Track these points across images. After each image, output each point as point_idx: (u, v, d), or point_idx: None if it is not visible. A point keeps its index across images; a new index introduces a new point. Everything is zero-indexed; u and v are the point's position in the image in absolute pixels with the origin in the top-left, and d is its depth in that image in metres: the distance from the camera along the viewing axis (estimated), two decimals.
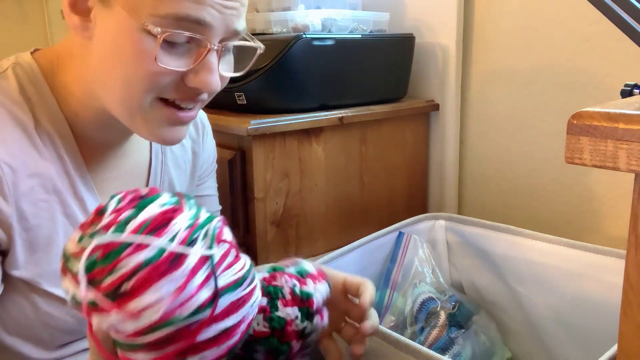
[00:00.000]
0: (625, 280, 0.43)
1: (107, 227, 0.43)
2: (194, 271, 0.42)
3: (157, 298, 0.41)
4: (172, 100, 0.60)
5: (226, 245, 0.46)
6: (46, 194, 0.61)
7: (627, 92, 0.55)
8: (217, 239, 0.46)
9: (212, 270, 0.44)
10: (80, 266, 0.42)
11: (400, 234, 1.03)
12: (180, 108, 0.61)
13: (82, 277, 0.42)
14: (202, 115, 0.85)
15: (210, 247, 0.45)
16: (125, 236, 0.42)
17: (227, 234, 0.48)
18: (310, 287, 0.59)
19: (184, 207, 0.46)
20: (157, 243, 0.42)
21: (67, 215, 0.63)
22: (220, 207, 0.90)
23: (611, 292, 0.85)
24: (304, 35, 1.02)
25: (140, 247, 0.42)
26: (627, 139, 0.38)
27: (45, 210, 0.61)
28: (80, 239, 0.44)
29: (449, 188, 1.32)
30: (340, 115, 1.09)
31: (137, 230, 0.43)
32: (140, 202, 0.45)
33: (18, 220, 0.59)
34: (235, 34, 0.60)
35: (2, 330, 0.63)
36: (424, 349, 0.65)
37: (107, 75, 0.59)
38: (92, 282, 0.42)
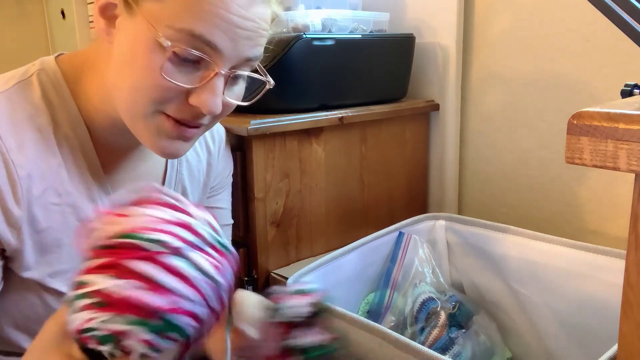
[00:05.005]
0: (625, 280, 0.43)
1: None
2: None
3: None
4: (173, 117, 0.61)
5: None
6: (58, 197, 0.63)
7: (627, 92, 0.55)
8: None
9: None
10: None
11: (400, 234, 1.03)
12: (181, 124, 0.61)
13: None
14: (220, 130, 0.86)
15: None
16: None
17: None
18: None
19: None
20: None
21: (80, 219, 0.65)
22: (231, 222, 0.90)
23: (611, 292, 0.85)
24: (304, 35, 1.01)
25: None
26: (627, 139, 0.38)
27: (56, 213, 0.63)
28: None
29: (449, 188, 1.32)
30: (340, 115, 1.09)
31: None
32: None
33: (29, 223, 0.61)
34: (247, 61, 0.61)
35: (12, 327, 0.65)
36: (424, 349, 0.65)
37: (120, 81, 0.60)
38: None
